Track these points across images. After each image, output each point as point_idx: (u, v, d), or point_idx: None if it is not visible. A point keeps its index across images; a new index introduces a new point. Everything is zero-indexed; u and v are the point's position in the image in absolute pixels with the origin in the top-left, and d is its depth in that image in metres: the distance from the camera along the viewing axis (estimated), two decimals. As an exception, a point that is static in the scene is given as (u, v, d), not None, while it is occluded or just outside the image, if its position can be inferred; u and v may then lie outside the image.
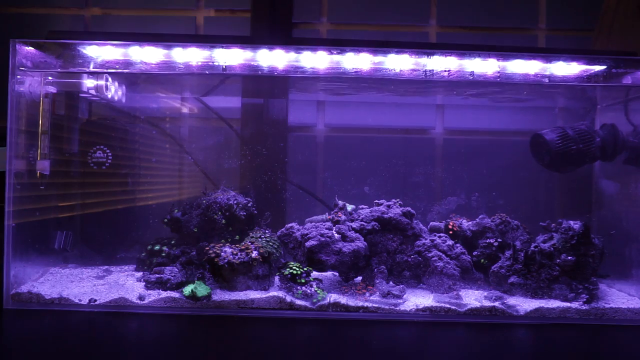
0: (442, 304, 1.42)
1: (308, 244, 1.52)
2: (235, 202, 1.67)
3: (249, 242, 1.56)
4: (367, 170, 1.84)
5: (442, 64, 1.50)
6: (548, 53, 1.53)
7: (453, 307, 1.41)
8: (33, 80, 1.51)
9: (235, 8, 1.96)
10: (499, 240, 1.63)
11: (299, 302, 1.42)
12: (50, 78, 1.55)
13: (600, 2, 1.86)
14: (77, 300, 1.42)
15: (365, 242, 1.56)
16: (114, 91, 1.69)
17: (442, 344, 1.26)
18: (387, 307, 1.42)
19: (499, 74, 1.52)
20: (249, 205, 1.70)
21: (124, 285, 1.52)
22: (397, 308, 1.42)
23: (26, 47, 1.46)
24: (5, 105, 1.41)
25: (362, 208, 1.69)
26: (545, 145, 1.65)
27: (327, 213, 1.66)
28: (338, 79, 1.61)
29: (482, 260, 1.61)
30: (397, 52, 1.47)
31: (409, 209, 1.64)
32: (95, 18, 1.98)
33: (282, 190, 1.86)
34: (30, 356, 1.11)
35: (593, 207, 1.84)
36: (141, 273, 1.61)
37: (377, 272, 1.53)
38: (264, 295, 1.43)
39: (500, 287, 1.53)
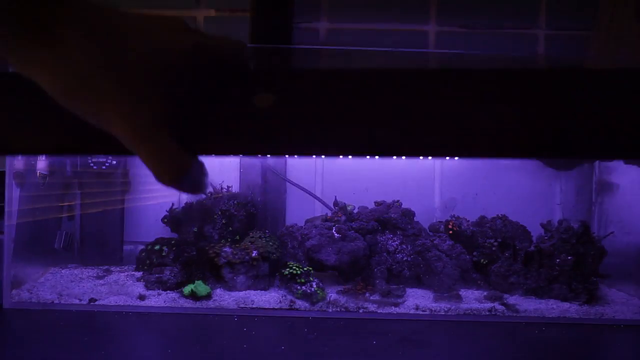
0: (442, 304, 1.42)
1: (308, 244, 1.52)
2: (235, 202, 1.67)
3: (249, 242, 1.56)
4: (367, 171, 1.84)
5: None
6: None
7: (453, 307, 1.41)
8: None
9: (236, 8, 1.96)
10: (498, 240, 1.63)
11: (299, 302, 1.42)
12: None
13: (598, 2, 1.86)
14: (77, 300, 1.42)
15: (365, 242, 1.56)
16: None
17: (442, 343, 1.26)
18: (387, 306, 1.42)
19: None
20: (249, 205, 1.70)
21: (124, 285, 1.52)
22: (397, 308, 1.42)
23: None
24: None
25: (363, 208, 1.69)
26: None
27: (327, 213, 1.66)
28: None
29: (482, 260, 1.61)
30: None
31: (409, 208, 1.64)
32: (95, 18, 1.97)
33: (282, 190, 1.86)
34: (31, 356, 1.11)
35: (593, 206, 1.84)
36: (141, 273, 1.61)
37: (377, 272, 1.54)
38: (263, 295, 1.43)
39: (500, 287, 1.53)
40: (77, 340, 1.21)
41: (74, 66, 0.34)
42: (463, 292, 1.50)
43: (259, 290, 1.47)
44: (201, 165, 0.38)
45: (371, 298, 1.45)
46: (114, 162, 1.72)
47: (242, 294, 1.44)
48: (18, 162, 1.46)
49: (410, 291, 1.52)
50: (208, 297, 1.41)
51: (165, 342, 1.22)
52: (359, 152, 0.42)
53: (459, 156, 0.41)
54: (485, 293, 1.49)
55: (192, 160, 0.36)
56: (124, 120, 0.34)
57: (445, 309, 1.41)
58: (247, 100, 0.40)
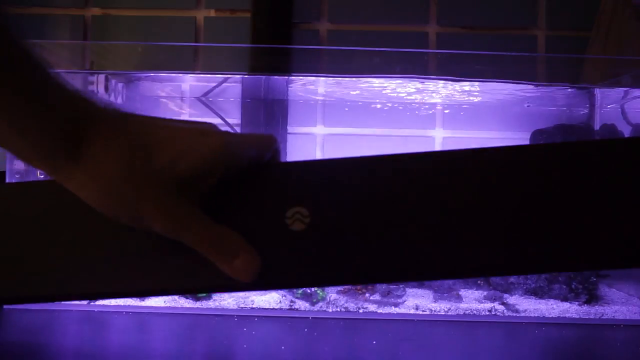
0: (442, 304, 1.42)
1: (308, 243, 1.52)
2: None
3: (249, 242, 1.56)
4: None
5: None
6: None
7: (453, 307, 1.41)
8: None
9: (235, 8, 1.97)
10: (498, 240, 1.63)
11: (298, 301, 1.42)
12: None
13: (598, 2, 1.87)
14: (77, 300, 1.42)
15: (365, 242, 1.56)
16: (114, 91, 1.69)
17: (442, 343, 1.26)
18: (387, 306, 1.42)
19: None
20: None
21: (124, 285, 1.52)
22: (397, 308, 1.42)
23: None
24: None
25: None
26: (547, 139, 1.66)
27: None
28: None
29: (482, 260, 1.61)
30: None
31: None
32: (95, 18, 1.98)
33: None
34: (31, 356, 1.11)
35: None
36: (141, 273, 1.61)
37: (377, 272, 1.54)
38: (263, 295, 1.43)
39: (500, 287, 1.53)
40: (77, 340, 1.21)
41: (108, 179, 0.36)
42: (463, 292, 1.50)
43: (258, 290, 1.47)
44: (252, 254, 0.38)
45: (371, 298, 1.45)
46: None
47: (242, 294, 1.44)
48: (18, 163, 1.46)
49: (410, 291, 1.52)
50: (208, 297, 1.41)
51: (165, 342, 1.22)
52: (412, 276, 0.36)
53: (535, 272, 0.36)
54: (485, 293, 1.49)
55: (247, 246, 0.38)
56: (163, 216, 0.36)
57: (445, 309, 1.41)
58: (278, 218, 0.36)
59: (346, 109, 1.86)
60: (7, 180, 1.43)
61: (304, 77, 1.60)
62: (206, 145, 0.37)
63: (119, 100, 1.78)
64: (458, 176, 0.37)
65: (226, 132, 0.39)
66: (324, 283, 0.39)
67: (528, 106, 1.81)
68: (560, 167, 0.34)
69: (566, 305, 1.43)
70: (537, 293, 1.50)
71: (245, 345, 1.20)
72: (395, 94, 1.76)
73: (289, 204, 0.37)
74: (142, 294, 0.41)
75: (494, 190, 0.35)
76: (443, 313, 1.40)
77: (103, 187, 0.36)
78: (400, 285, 1.50)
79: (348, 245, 0.35)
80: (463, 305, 1.42)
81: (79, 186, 0.36)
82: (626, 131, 1.66)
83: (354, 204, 0.35)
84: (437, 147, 1.92)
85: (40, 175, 1.57)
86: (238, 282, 0.37)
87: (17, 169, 1.45)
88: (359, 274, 0.34)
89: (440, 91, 1.73)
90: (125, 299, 1.41)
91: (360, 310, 1.41)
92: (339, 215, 0.35)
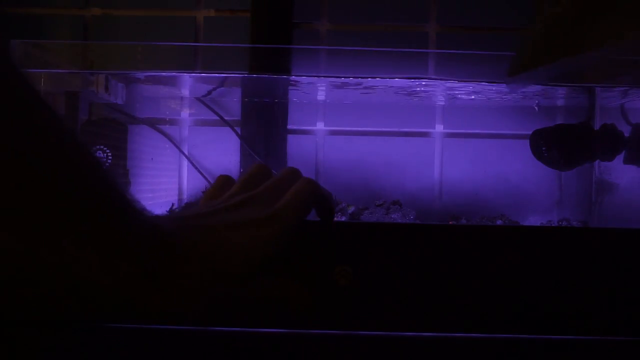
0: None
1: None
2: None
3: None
4: (368, 171, 1.84)
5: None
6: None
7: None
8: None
9: (235, 8, 1.97)
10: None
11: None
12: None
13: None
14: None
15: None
16: (114, 91, 1.69)
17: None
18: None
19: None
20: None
21: (124, 285, 1.52)
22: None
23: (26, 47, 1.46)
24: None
25: (364, 209, 1.70)
26: (547, 139, 1.66)
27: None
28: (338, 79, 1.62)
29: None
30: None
31: (408, 210, 1.64)
32: (95, 18, 1.98)
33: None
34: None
35: (593, 206, 1.85)
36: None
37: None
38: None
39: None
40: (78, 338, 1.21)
41: (199, 292, 0.42)
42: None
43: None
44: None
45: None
46: (110, 158, 1.73)
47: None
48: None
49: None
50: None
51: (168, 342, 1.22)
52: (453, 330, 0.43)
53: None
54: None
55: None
56: (247, 297, 0.45)
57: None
58: (325, 275, 0.43)
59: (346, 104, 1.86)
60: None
61: (304, 77, 1.60)
62: (265, 241, 0.43)
63: (119, 101, 1.78)
64: (478, 249, 0.45)
65: (278, 212, 0.45)
66: (364, 330, 0.48)
67: (537, 104, 1.81)
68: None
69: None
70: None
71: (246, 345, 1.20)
72: (395, 93, 1.76)
73: (336, 262, 0.44)
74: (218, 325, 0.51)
75: (517, 265, 0.43)
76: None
77: (198, 299, 0.41)
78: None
79: (385, 301, 0.42)
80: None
81: (166, 304, 0.40)
82: (626, 131, 1.66)
83: (392, 265, 0.42)
84: (438, 146, 1.92)
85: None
86: (293, 319, 0.47)
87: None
88: (394, 326, 0.43)
89: (440, 91, 1.74)
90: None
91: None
92: (378, 275, 0.43)
